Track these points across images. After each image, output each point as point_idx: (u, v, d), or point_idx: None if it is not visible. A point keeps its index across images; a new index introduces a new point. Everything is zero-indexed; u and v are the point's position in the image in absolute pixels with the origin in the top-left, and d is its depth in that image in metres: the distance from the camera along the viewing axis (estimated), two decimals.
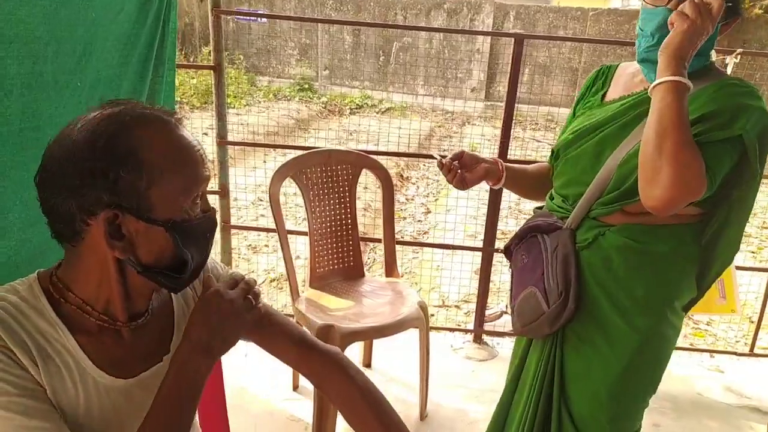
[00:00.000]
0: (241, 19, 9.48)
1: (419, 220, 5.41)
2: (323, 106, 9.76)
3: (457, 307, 3.57)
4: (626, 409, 1.25)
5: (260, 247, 4.08)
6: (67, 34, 1.41)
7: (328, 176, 2.25)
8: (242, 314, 0.85)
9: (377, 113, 9.45)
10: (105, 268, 0.77)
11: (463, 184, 1.35)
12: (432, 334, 2.85)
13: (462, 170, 1.35)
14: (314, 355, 0.95)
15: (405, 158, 6.65)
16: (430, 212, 5.63)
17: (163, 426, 0.78)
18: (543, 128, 8.93)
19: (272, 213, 2.09)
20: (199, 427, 1.08)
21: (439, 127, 9.13)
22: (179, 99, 8.11)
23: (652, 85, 1.07)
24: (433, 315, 3.49)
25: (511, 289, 1.39)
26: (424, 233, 5.09)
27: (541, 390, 1.29)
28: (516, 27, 10.24)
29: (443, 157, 1.37)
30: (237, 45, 10.46)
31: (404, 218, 5.43)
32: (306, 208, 2.21)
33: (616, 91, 1.27)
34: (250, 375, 2.39)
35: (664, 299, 1.19)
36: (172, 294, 0.92)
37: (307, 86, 10.42)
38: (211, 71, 2.42)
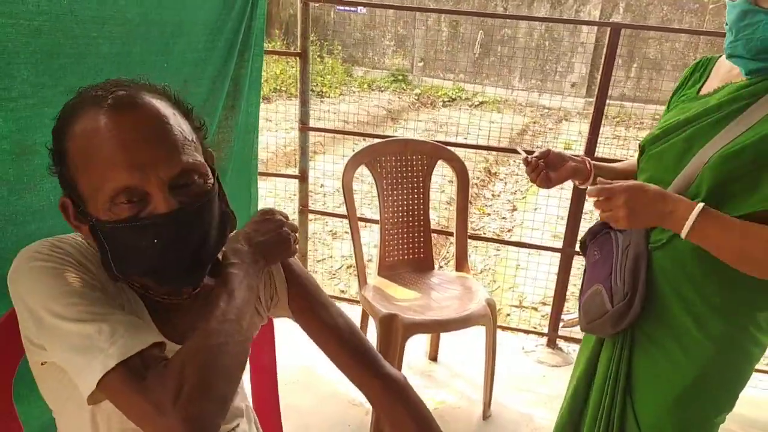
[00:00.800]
0: (342, 9, 9.67)
1: (504, 217, 5.26)
2: (416, 98, 9.75)
3: (534, 309, 3.44)
4: (695, 422, 1.16)
5: (340, 234, 4.15)
6: (157, 16, 1.50)
7: (402, 165, 2.23)
8: (289, 241, 0.89)
9: (470, 107, 9.30)
10: None
11: (547, 183, 1.33)
12: (504, 335, 2.77)
13: (547, 169, 1.32)
14: (376, 379, 0.92)
15: (494, 153, 6.49)
16: (516, 210, 5.47)
17: (222, 321, 0.73)
18: (648, 127, 8.37)
19: (344, 199, 2.10)
20: (251, 406, 1.11)
21: (534, 123, 8.83)
22: (278, 87, 8.43)
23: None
24: (508, 315, 3.39)
25: (582, 285, 1.34)
26: (508, 231, 4.95)
27: (613, 391, 1.24)
28: (625, 20, 9.64)
29: (529, 154, 1.35)
30: (336, 35, 10.70)
31: (488, 214, 5.31)
32: (378, 197, 2.21)
33: (713, 83, 1.16)
34: (318, 355, 2.44)
35: (745, 310, 1.09)
36: None
37: (401, 77, 10.46)
38: (298, 58, 2.47)
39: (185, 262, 0.75)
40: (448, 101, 9.75)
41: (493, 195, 5.88)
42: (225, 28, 1.81)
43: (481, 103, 9.54)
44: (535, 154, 1.33)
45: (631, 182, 1.04)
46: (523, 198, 5.76)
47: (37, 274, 0.72)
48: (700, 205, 1.00)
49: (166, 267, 0.75)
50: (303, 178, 2.67)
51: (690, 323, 1.10)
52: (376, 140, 2.29)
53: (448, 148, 2.26)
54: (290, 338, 2.56)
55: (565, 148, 6.85)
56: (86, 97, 0.74)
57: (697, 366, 1.12)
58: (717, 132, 1.05)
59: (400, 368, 1.94)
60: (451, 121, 7.31)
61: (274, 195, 4.07)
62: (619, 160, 1.49)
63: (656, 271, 1.14)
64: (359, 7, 8.76)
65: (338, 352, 0.95)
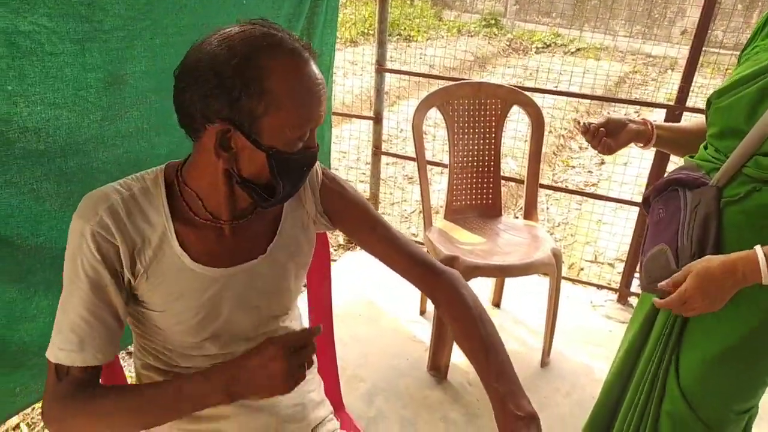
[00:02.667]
0: None
1: (589, 171, 5.04)
2: (507, 43, 9.35)
3: (611, 265, 3.34)
4: (735, 384, 1.12)
5: (416, 178, 4.18)
6: None
7: (475, 109, 2.20)
8: (285, 382, 0.80)
9: (565, 53, 8.80)
10: (215, 170, 0.86)
11: (609, 149, 1.33)
12: (573, 287, 2.73)
13: (607, 136, 1.32)
14: (434, 277, 1.01)
15: (585, 104, 6.17)
16: (604, 163, 5.21)
17: (134, 413, 0.82)
18: None
19: (414, 141, 2.12)
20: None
21: (634, 72, 8.23)
22: (366, 30, 8.39)
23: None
24: (582, 269, 3.32)
25: (644, 243, 1.29)
26: (593, 185, 4.75)
27: (663, 352, 1.22)
28: None
29: (589, 124, 1.34)
30: None
31: (573, 167, 5.11)
32: (449, 140, 2.21)
33: None
34: (384, 293, 2.54)
35: None
36: None
37: (493, 22, 10.04)
38: None
39: (299, 187, 0.91)
40: (542, 47, 9.27)
41: (580, 147, 5.63)
42: None
43: (578, 50, 8.99)
44: (595, 122, 1.32)
45: (694, 276, 1.01)
46: None
47: (67, 252, 0.85)
48: (757, 248, 0.97)
49: (295, 190, 0.90)
50: (377, 119, 2.71)
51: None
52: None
53: (525, 92, 2.19)
54: (357, 274, 2.67)
55: (666, 101, 6.38)
56: (274, 37, 0.79)
57: (747, 326, 1.07)
58: None
59: None
60: (542, 67, 6.98)
61: (357, 138, 4.15)
62: None
63: (727, 229, 1.08)
64: None
65: (397, 261, 1.03)
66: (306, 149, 0.85)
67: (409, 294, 2.48)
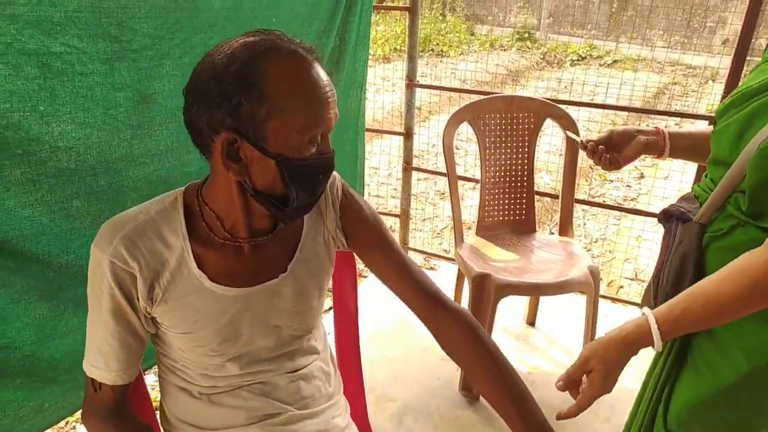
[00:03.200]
0: None
1: (628, 185, 4.90)
2: (541, 57, 9.25)
3: None
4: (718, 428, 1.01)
5: (448, 194, 4.13)
6: None
7: (507, 123, 2.15)
8: None
9: (600, 66, 8.65)
10: (229, 186, 0.84)
11: (614, 165, 1.22)
12: (611, 306, 2.63)
13: (611, 151, 1.21)
14: (443, 311, 0.95)
15: (623, 116, 6.02)
16: (643, 177, 5.06)
17: None
18: None
19: (444, 156, 2.08)
20: (333, 352, 1.17)
21: (674, 83, 8.01)
22: (399, 47, 8.43)
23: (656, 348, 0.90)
24: (621, 287, 3.20)
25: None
26: (632, 200, 4.61)
27: (653, 392, 1.11)
28: None
29: (588, 141, 1.25)
30: None
31: (610, 181, 4.97)
32: (480, 155, 2.17)
33: None
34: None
35: None
36: (305, 217, 0.97)
37: (526, 35, 9.96)
38: (407, 12, 2.44)
39: (318, 195, 0.88)
40: (577, 60, 9.14)
41: None
42: None
43: (615, 62, 8.82)
44: (593, 140, 1.23)
45: (598, 376, 0.95)
46: (654, 164, 5.30)
47: (89, 276, 0.87)
48: (648, 314, 0.89)
49: (313, 199, 0.87)
50: (408, 135, 2.68)
51: (750, 323, 0.91)
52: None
53: (558, 105, 2.13)
54: (387, 291, 2.62)
55: (708, 113, 6.17)
56: (274, 42, 0.78)
57: (734, 374, 0.95)
58: None
59: (491, 330, 1.92)
60: (577, 80, 6.86)
61: (388, 154, 4.14)
62: None
63: (710, 268, 0.97)
64: None
65: (406, 287, 0.98)
66: (319, 155, 0.82)
67: None
